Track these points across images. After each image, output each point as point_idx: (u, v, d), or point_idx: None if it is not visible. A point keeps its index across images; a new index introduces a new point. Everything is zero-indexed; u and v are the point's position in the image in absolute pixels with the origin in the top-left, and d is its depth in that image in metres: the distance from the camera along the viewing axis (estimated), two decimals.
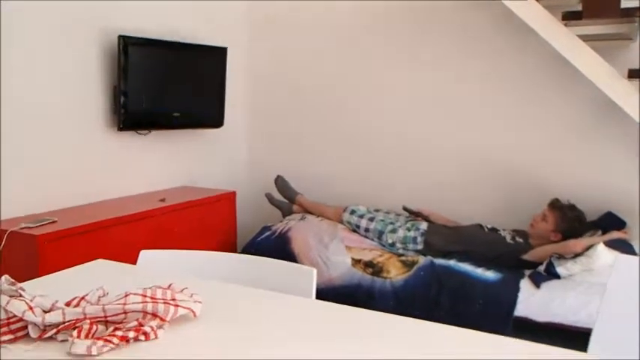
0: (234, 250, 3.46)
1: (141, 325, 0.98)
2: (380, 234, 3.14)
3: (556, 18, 2.70)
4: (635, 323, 1.51)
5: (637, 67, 2.78)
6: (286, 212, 3.62)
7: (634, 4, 2.60)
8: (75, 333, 0.95)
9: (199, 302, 1.08)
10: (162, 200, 3.08)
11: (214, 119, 3.60)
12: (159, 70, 3.18)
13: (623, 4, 2.60)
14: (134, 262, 1.45)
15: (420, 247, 3.03)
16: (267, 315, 1.12)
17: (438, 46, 3.45)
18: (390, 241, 3.09)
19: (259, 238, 3.27)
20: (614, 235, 2.77)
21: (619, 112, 2.86)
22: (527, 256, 2.85)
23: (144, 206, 2.92)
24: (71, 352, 0.91)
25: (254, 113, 4.10)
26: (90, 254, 2.12)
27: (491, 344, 1.00)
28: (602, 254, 2.58)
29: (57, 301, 1.01)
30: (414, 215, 3.35)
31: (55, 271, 1.35)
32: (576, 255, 2.67)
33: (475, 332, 1.03)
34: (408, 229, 3.10)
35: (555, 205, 2.94)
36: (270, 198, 3.70)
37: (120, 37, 2.92)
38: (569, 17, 2.73)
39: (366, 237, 3.19)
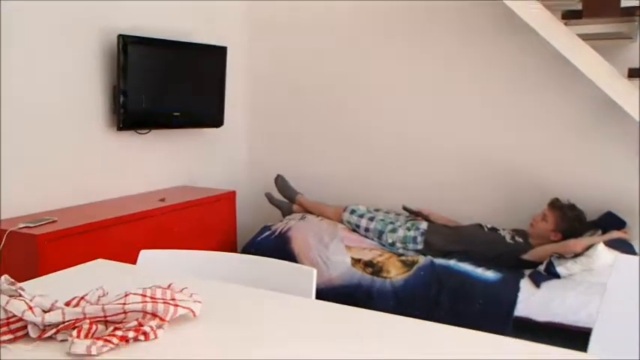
0: (234, 250, 3.46)
1: (140, 324, 0.98)
2: (380, 234, 3.14)
3: (556, 17, 2.70)
4: (635, 323, 1.51)
5: (637, 66, 2.77)
6: (286, 212, 3.62)
7: (634, 4, 2.60)
8: (74, 333, 0.94)
9: (199, 302, 1.08)
10: (162, 200, 3.08)
11: (214, 119, 3.60)
12: (158, 69, 3.18)
13: (623, 3, 2.60)
14: (134, 261, 1.45)
15: (420, 246, 3.03)
16: (266, 315, 1.12)
17: (438, 46, 3.44)
18: (390, 240, 3.09)
19: (259, 238, 3.27)
20: (614, 234, 2.76)
21: (619, 112, 2.86)
22: (527, 256, 2.85)
23: (144, 206, 2.92)
24: (71, 352, 0.91)
25: (254, 113, 4.10)
26: (90, 254, 2.12)
27: (491, 344, 1.00)
28: (602, 254, 2.58)
29: (56, 301, 1.01)
30: (414, 215, 3.35)
31: (55, 271, 1.35)
32: (576, 255, 2.67)
33: (475, 332, 1.03)
34: (408, 229, 3.10)
35: (555, 204, 2.94)
36: (270, 197, 3.70)
37: (119, 36, 2.92)
38: (569, 16, 2.73)
39: (366, 237, 3.18)
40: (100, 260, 1.45)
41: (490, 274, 2.72)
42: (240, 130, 4.06)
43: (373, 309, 1.14)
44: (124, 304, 0.99)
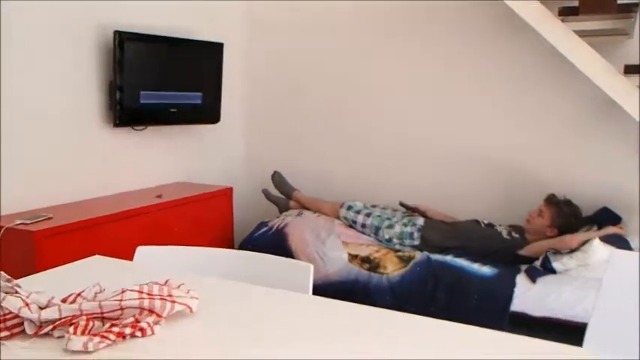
0: (231, 246, 3.46)
1: (137, 321, 0.98)
2: (377, 229, 3.14)
3: (552, 13, 2.70)
4: (630, 318, 1.52)
5: (632, 62, 2.78)
6: (283, 208, 3.62)
7: (630, 0, 2.61)
8: (71, 329, 0.94)
9: (196, 298, 1.08)
10: (159, 196, 3.07)
11: (211, 115, 3.59)
12: (155, 65, 3.17)
13: (620, 0, 2.60)
14: (131, 258, 1.45)
15: (416, 242, 3.03)
16: (263, 311, 1.12)
17: (438, 46, 3.44)
18: (386, 236, 3.10)
19: (256, 234, 3.27)
20: (610, 230, 2.77)
21: (616, 109, 2.87)
22: (523, 252, 2.86)
23: (140, 202, 2.91)
24: (67, 349, 0.91)
25: (251, 109, 4.09)
26: (86, 250, 2.12)
27: (487, 339, 1.00)
28: (598, 249, 2.59)
29: (53, 298, 1.01)
30: (411, 211, 3.35)
31: (52, 268, 1.35)
32: (572, 250, 2.68)
33: (471, 327, 1.04)
34: (405, 225, 3.10)
35: (551, 200, 2.95)
36: (267, 194, 3.69)
37: (115, 32, 2.91)
38: (566, 13, 2.74)
39: (362, 233, 3.19)
40: (96, 257, 1.45)
41: (486, 270, 2.73)
42: (238, 126, 4.06)
43: (370, 305, 1.14)
44: (121, 300, 0.99)
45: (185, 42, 3.33)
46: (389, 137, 3.65)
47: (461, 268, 2.76)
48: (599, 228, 2.84)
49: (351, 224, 3.24)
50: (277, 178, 3.68)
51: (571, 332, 2.35)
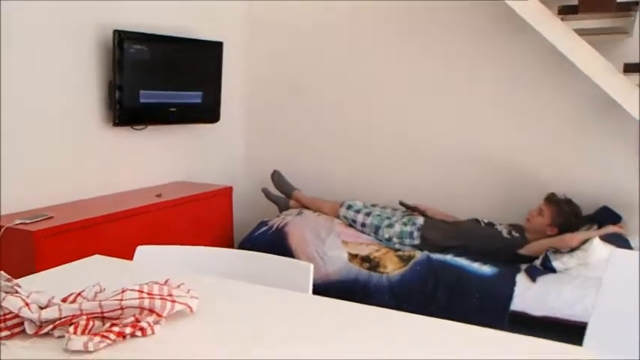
0: (230, 246, 3.46)
1: (138, 320, 0.98)
2: (376, 229, 3.14)
3: (552, 12, 2.70)
4: (630, 317, 1.52)
5: (632, 61, 2.78)
6: (283, 207, 3.62)
7: None
8: (71, 329, 0.94)
9: (196, 298, 1.08)
10: (159, 196, 3.07)
11: (211, 114, 3.59)
12: (155, 65, 3.17)
13: None
14: (130, 257, 1.45)
15: (416, 241, 3.03)
16: (263, 310, 1.12)
17: (437, 46, 3.44)
18: (386, 235, 3.10)
19: (256, 234, 3.27)
20: (610, 229, 2.77)
21: (616, 107, 2.86)
22: (523, 251, 2.86)
23: (140, 202, 2.91)
24: (68, 348, 0.91)
25: (251, 109, 4.09)
26: (86, 250, 2.12)
27: (487, 338, 1.00)
28: (598, 248, 2.59)
29: (53, 297, 1.01)
30: (411, 210, 3.35)
31: (52, 267, 1.35)
32: (572, 249, 2.68)
33: (471, 326, 1.04)
34: (405, 224, 3.10)
35: (551, 199, 2.95)
36: (266, 193, 3.69)
37: (115, 31, 2.91)
38: (566, 11, 2.73)
39: (362, 232, 3.19)
40: (96, 256, 1.45)
41: (486, 269, 2.73)
42: (237, 125, 4.06)
43: (370, 304, 1.14)
44: (121, 300, 0.99)
45: (185, 41, 3.33)
46: (389, 137, 3.65)
47: (461, 267, 2.76)
48: (599, 227, 2.84)
49: (351, 223, 3.24)
50: (277, 178, 3.68)
51: (571, 331, 2.35)
